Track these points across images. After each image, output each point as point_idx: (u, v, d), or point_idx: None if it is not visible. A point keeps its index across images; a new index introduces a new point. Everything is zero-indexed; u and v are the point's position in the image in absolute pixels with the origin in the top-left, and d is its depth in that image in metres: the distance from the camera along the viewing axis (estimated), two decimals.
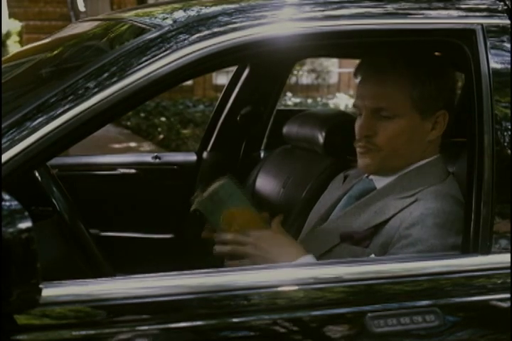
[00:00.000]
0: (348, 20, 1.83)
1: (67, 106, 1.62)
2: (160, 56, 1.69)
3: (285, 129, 3.00)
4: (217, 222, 1.88)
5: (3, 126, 1.59)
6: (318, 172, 2.80)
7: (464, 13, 1.89)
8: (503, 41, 1.86)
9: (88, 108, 1.62)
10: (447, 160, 2.06)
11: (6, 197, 1.45)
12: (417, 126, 1.98)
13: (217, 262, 1.96)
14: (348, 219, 2.00)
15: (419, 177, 1.98)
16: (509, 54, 1.85)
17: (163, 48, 1.71)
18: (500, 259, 1.76)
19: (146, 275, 1.63)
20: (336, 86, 14.15)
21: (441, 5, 1.90)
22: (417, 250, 1.83)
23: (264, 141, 3.40)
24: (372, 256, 1.89)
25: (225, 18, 1.78)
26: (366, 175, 2.10)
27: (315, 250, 1.94)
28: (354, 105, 2.04)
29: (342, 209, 2.07)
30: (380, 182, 2.03)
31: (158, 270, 1.68)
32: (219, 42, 1.72)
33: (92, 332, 1.55)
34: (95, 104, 1.63)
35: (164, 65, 1.68)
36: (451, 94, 2.02)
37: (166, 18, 1.87)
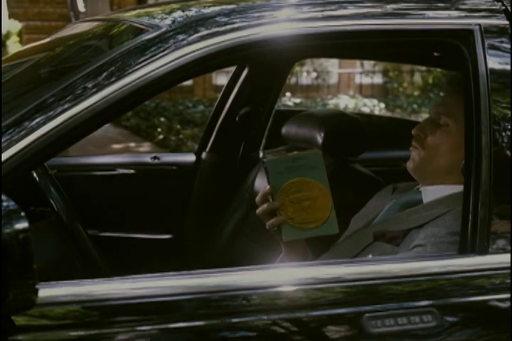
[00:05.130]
0: (346, 21, 1.83)
1: (65, 106, 1.62)
2: (158, 56, 1.69)
3: (284, 129, 3.00)
4: (277, 184, 1.83)
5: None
6: None
7: (462, 14, 1.90)
8: (501, 41, 1.86)
9: (87, 108, 1.63)
10: None
11: (3, 197, 1.45)
12: (462, 145, 1.99)
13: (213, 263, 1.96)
14: (388, 225, 2.03)
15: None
16: (507, 54, 1.85)
17: (162, 48, 1.71)
18: (497, 260, 1.77)
19: (144, 275, 1.63)
20: (336, 86, 14.12)
21: (439, 5, 1.90)
22: (439, 233, 1.87)
23: (263, 141, 3.40)
24: (370, 256, 1.89)
25: (224, 19, 1.79)
26: (416, 187, 2.13)
27: (351, 251, 1.99)
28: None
29: (385, 215, 2.11)
30: (428, 196, 2.06)
31: (156, 270, 1.68)
32: (217, 43, 1.72)
33: (89, 332, 1.55)
34: (94, 104, 1.63)
35: (162, 65, 1.68)
36: None
37: (165, 18, 1.88)
